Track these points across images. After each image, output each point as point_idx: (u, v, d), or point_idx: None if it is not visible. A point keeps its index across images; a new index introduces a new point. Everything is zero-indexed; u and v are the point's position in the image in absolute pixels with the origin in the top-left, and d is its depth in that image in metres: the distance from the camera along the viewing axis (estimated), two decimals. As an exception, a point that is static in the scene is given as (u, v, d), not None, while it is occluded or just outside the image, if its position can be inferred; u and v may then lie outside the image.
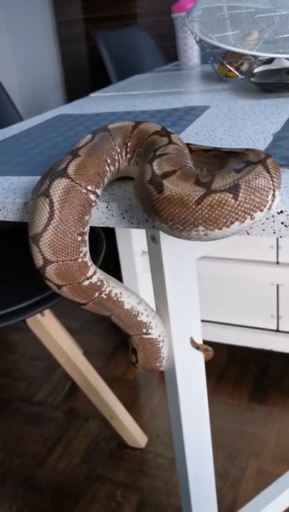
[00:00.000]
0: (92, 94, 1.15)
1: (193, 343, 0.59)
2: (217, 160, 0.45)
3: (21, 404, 1.38)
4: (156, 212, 0.39)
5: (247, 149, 0.42)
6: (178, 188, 0.37)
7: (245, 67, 1.06)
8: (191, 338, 0.59)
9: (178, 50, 1.34)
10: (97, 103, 1.03)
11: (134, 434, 1.20)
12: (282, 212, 0.41)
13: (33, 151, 0.70)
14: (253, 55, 0.97)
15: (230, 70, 1.04)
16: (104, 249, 0.99)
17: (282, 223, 0.41)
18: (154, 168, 0.40)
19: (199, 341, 0.60)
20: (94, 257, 0.99)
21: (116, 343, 1.59)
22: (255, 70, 0.99)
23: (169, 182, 0.38)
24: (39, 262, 0.45)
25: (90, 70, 2.76)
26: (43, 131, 0.82)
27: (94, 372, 1.16)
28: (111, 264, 1.77)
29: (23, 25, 2.64)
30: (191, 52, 1.33)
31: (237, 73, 1.03)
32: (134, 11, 2.45)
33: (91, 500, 1.09)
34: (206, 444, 0.70)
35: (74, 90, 2.83)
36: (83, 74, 2.78)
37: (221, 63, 1.06)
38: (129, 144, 0.48)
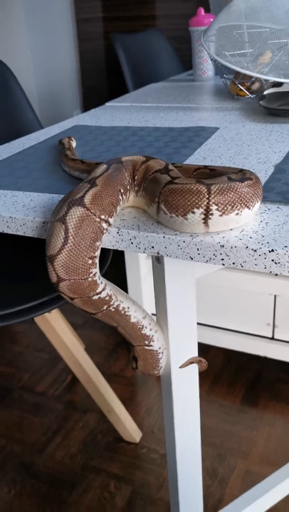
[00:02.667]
0: (108, 103, 1.20)
1: (186, 362, 0.64)
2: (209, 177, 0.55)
3: (24, 394, 1.45)
4: (246, 201, 0.48)
5: (240, 170, 0.52)
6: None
7: (255, 86, 1.10)
8: (186, 362, 0.64)
9: (193, 62, 1.38)
10: (113, 114, 1.08)
11: (130, 429, 1.26)
12: (273, 250, 0.46)
13: (51, 166, 0.75)
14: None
15: (241, 89, 1.09)
16: (111, 257, 1.04)
17: (272, 260, 0.46)
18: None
19: (194, 353, 0.65)
20: (100, 263, 1.05)
21: (117, 339, 1.65)
22: (266, 92, 1.03)
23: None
24: (53, 278, 0.51)
25: (106, 68, 2.80)
26: (60, 143, 0.87)
27: (94, 368, 1.21)
28: (116, 267, 1.83)
29: (44, 21, 2.68)
30: (206, 65, 1.37)
31: (248, 93, 1.08)
32: (154, 13, 2.48)
33: (86, 489, 1.15)
34: (196, 445, 0.76)
35: (90, 87, 2.88)
36: (100, 71, 2.82)
37: (232, 82, 1.10)
38: (136, 176, 0.53)
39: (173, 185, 0.49)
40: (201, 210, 0.47)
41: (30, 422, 1.35)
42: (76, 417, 1.36)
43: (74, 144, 0.81)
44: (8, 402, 1.42)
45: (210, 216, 0.48)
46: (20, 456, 1.25)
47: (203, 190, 0.47)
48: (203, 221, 0.48)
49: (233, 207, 0.48)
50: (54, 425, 1.33)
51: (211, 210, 0.47)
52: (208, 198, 0.47)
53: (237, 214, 0.48)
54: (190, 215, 0.48)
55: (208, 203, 0.47)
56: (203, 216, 0.48)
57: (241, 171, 0.52)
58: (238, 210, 0.48)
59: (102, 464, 1.21)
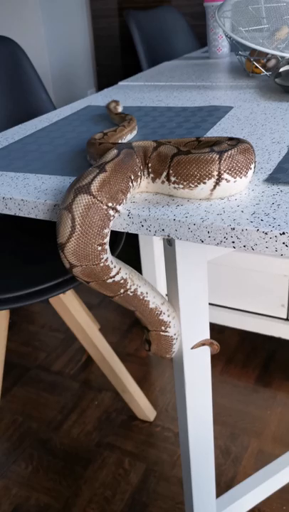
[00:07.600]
0: (121, 83, 1.19)
1: (198, 344, 0.65)
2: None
3: (40, 373, 1.47)
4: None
5: (230, 138, 0.56)
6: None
7: (271, 63, 1.08)
8: (198, 343, 0.65)
9: (208, 39, 1.35)
10: (125, 94, 1.06)
11: (144, 407, 1.27)
12: (284, 233, 0.45)
13: (62, 147, 0.75)
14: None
15: (256, 67, 1.06)
16: (124, 239, 1.04)
17: (283, 243, 0.46)
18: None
19: (206, 335, 0.65)
20: (114, 245, 1.05)
21: (132, 319, 1.66)
22: (282, 69, 1.01)
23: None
24: (66, 264, 0.51)
25: (120, 45, 2.75)
26: (72, 124, 0.87)
27: (109, 348, 1.23)
28: (130, 247, 1.83)
29: (57, -4, 2.64)
30: (221, 42, 1.34)
31: (263, 70, 1.05)
32: (168, -12, 2.43)
33: (100, 465, 1.18)
34: (208, 424, 0.77)
35: (104, 65, 2.84)
36: (114, 48, 2.78)
37: (248, 59, 1.08)
38: (150, 164, 0.52)
39: (229, 152, 0.51)
40: (254, 164, 0.53)
41: (46, 400, 1.38)
42: (91, 395, 1.38)
43: (120, 108, 0.87)
44: (25, 381, 1.45)
45: (255, 169, 0.56)
46: (37, 433, 1.28)
47: (250, 149, 0.53)
48: (254, 174, 0.57)
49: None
50: (70, 403, 1.36)
51: (255, 163, 0.55)
52: (254, 155, 0.54)
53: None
54: (250, 172, 0.53)
55: (254, 159, 0.54)
56: (253, 170, 0.54)
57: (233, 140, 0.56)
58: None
59: (117, 442, 1.23)
